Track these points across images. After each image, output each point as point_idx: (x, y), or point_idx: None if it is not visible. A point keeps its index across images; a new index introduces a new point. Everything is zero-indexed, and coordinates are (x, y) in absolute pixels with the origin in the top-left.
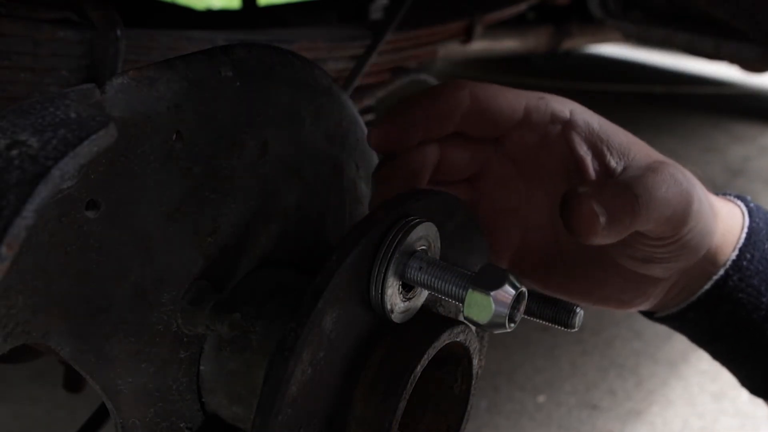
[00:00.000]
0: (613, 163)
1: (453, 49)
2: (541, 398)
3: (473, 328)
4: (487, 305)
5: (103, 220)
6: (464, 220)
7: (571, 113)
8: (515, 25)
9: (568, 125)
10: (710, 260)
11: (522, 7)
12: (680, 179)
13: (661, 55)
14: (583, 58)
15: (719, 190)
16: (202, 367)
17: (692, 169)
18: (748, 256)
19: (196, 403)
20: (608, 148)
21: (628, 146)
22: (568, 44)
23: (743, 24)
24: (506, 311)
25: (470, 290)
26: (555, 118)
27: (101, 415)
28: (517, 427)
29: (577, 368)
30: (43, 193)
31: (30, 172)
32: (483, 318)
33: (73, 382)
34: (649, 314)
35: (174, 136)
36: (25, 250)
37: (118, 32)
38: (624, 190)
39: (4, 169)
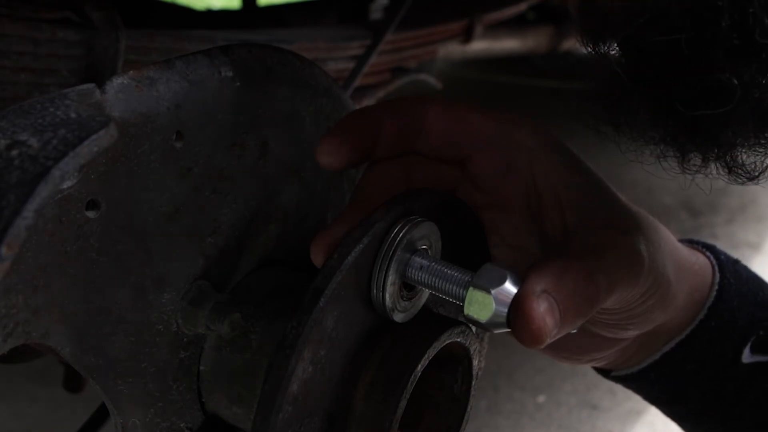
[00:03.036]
0: (568, 206)
1: (453, 49)
2: (541, 398)
3: (473, 328)
4: (487, 304)
5: (103, 220)
6: (465, 219)
7: (538, 144)
8: (515, 25)
9: (532, 157)
10: (674, 321)
11: (522, 7)
12: (638, 253)
13: None
14: (583, 58)
15: (719, 192)
16: (202, 367)
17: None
18: (718, 315)
19: (196, 403)
20: (566, 190)
21: (589, 192)
22: (568, 44)
23: None
24: (506, 310)
25: (471, 289)
26: (519, 146)
27: (101, 415)
28: (517, 427)
29: (577, 368)
30: (43, 193)
31: (30, 172)
32: (483, 317)
33: (73, 382)
34: (604, 372)
35: (174, 136)
36: (25, 250)
37: (118, 32)
38: (585, 282)
39: (4, 169)
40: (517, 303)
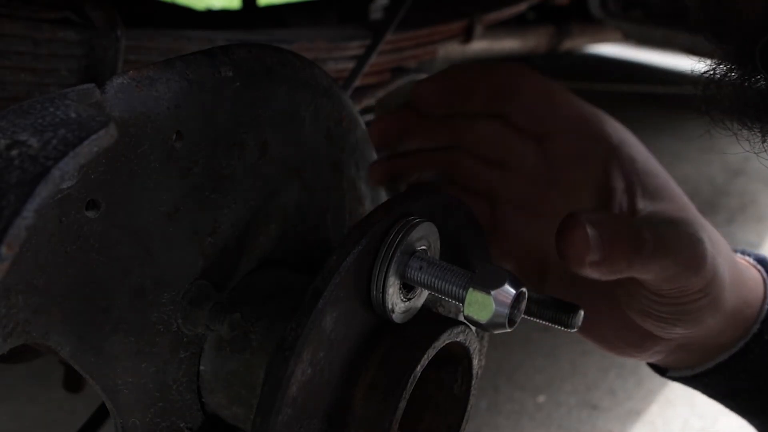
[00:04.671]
0: (641, 204)
1: (453, 49)
2: (541, 398)
3: (473, 328)
4: (487, 305)
5: (103, 220)
6: (465, 219)
7: (619, 140)
8: (515, 25)
9: (612, 152)
10: (726, 333)
11: (522, 7)
12: (702, 243)
13: (661, 55)
14: (583, 58)
15: (719, 192)
16: (202, 367)
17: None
18: None
19: (196, 403)
20: (642, 189)
21: (664, 192)
22: (568, 44)
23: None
24: (506, 311)
25: (471, 289)
26: (603, 139)
27: (101, 415)
28: (517, 427)
29: (577, 368)
30: (43, 193)
31: (30, 172)
32: (483, 317)
33: (73, 382)
34: (659, 369)
35: (174, 136)
36: (25, 250)
37: (118, 32)
38: (632, 231)
39: (4, 169)
40: (564, 219)
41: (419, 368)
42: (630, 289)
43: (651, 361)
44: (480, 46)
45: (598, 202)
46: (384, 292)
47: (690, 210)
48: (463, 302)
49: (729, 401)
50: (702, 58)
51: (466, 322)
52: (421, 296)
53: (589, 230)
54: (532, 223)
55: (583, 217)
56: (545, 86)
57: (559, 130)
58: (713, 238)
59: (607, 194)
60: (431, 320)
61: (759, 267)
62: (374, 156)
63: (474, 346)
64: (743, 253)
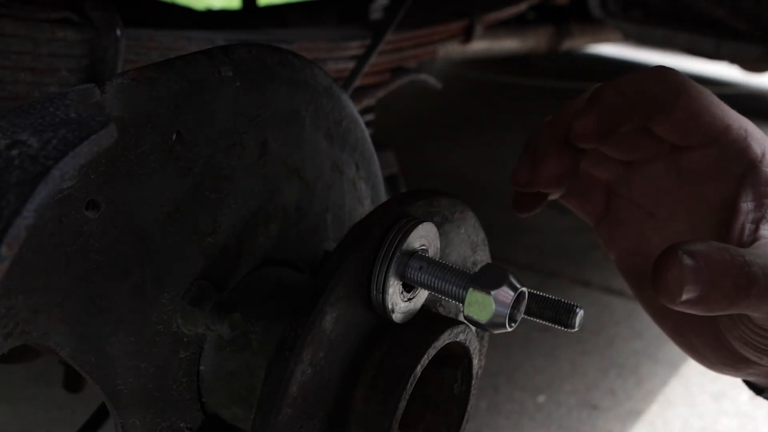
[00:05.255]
0: (765, 234)
1: (453, 49)
2: (541, 398)
3: (473, 328)
4: (487, 304)
5: (103, 220)
6: (465, 219)
7: (762, 157)
8: (515, 25)
9: (751, 169)
10: None
11: (522, 7)
12: None
13: (661, 55)
14: (583, 58)
15: None
16: (202, 367)
17: None
18: None
19: (196, 403)
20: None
21: None
22: (568, 44)
23: (743, 23)
24: (506, 311)
25: (471, 289)
26: (745, 155)
27: (101, 415)
28: (517, 427)
29: (577, 368)
30: (43, 193)
31: (30, 172)
32: (483, 317)
33: (73, 382)
34: (756, 388)
35: (174, 136)
36: (25, 250)
37: (118, 32)
38: (740, 268)
39: (5, 169)
40: (665, 250)
41: (419, 368)
42: (733, 315)
43: (747, 379)
44: (480, 46)
45: (718, 221)
46: (384, 292)
47: None
48: (463, 302)
49: None
50: (701, 58)
51: (466, 322)
52: (421, 296)
53: (687, 264)
54: (645, 222)
55: (680, 252)
56: (696, 97)
57: (699, 143)
58: None
59: (731, 214)
60: (431, 320)
61: None
62: (374, 155)
63: (474, 346)
64: None
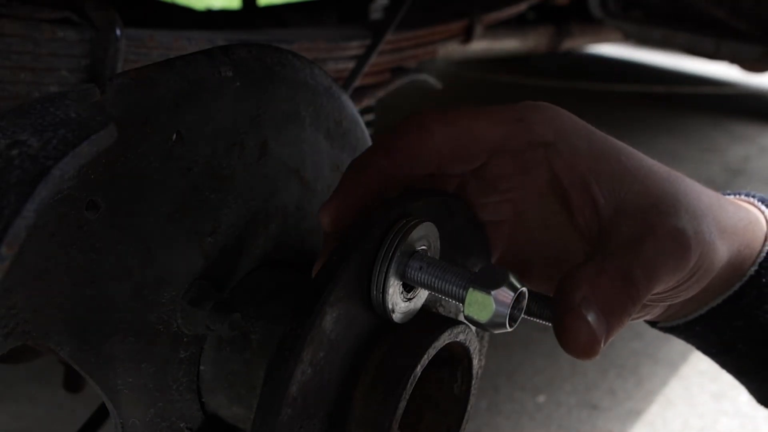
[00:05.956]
0: (600, 198)
1: (453, 49)
2: (541, 398)
3: (473, 328)
4: (487, 304)
5: (103, 220)
6: (465, 219)
7: (555, 135)
8: (515, 25)
9: (550, 151)
10: (721, 278)
11: (522, 7)
12: (682, 234)
13: (661, 55)
14: (583, 58)
15: (719, 191)
16: (202, 367)
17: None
18: None
19: (196, 403)
20: (596, 180)
21: (621, 176)
22: (568, 44)
23: (743, 23)
24: (507, 311)
25: (471, 289)
26: (534, 143)
27: (101, 415)
28: (517, 427)
29: (577, 368)
30: (43, 193)
31: (30, 171)
32: (483, 317)
33: (73, 382)
34: (651, 323)
35: (174, 136)
36: (25, 250)
37: (118, 32)
38: (622, 283)
39: (5, 168)
40: (560, 320)
41: (419, 368)
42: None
43: (641, 319)
44: (480, 46)
45: (558, 207)
46: (384, 292)
47: (652, 179)
48: (463, 302)
49: (724, 356)
50: (701, 58)
51: (466, 322)
52: (422, 296)
53: (592, 319)
54: (503, 234)
55: (582, 310)
56: (455, 123)
57: (490, 155)
58: (692, 206)
59: (563, 199)
60: (431, 320)
61: (762, 207)
62: None
63: (474, 346)
64: (747, 195)
